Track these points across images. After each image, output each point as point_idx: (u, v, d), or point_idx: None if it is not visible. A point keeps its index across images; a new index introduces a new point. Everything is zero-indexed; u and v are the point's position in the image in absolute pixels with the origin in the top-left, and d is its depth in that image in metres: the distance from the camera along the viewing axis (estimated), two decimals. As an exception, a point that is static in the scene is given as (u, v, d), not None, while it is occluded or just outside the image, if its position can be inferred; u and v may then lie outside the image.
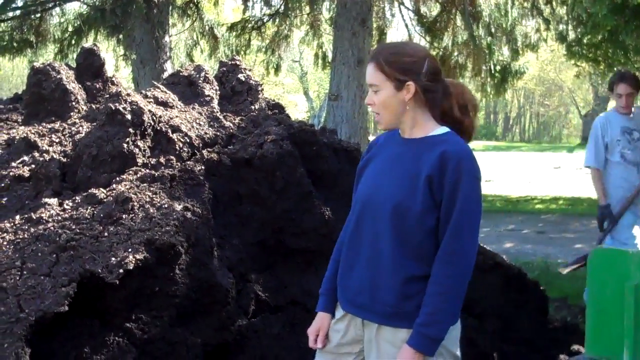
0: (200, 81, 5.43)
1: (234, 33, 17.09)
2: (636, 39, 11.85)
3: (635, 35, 11.55)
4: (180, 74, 5.62)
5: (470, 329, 5.25)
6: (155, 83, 5.38)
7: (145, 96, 5.05)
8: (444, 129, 3.08)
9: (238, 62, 5.79)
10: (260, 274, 4.58)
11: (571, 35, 16.79)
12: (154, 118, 4.65)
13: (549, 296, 6.12)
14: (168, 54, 15.14)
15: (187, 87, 5.46)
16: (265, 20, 17.42)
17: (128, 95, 4.68)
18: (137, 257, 3.74)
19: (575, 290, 7.80)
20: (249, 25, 17.25)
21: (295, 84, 52.37)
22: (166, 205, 4.14)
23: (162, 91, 5.20)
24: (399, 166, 3.06)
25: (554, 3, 16.52)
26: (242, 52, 17.34)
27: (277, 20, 17.24)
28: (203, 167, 4.57)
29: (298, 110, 50.34)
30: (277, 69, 18.55)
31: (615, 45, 14.38)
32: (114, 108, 4.52)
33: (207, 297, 4.09)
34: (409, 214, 2.96)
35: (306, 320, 3.40)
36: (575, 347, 5.79)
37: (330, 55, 15.92)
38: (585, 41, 15.87)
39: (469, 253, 2.98)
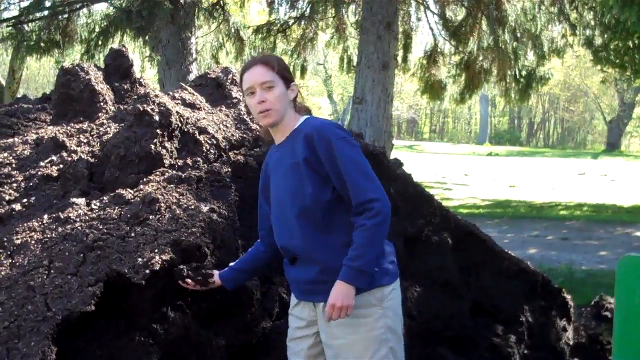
0: (227, 83, 5.45)
1: (260, 35, 17.14)
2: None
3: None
4: (208, 75, 5.64)
5: (495, 334, 5.24)
6: (183, 85, 5.40)
7: (173, 97, 5.07)
8: (303, 118, 3.50)
9: (264, 65, 5.80)
10: (284, 276, 4.58)
11: (598, 41, 16.71)
12: (182, 119, 4.67)
13: (573, 303, 6.09)
14: (194, 55, 15.19)
15: (214, 89, 5.48)
16: (290, 23, 17.45)
17: (156, 96, 4.70)
18: (163, 257, 3.75)
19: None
20: (275, 28, 17.30)
21: (320, 87, 52.45)
22: (192, 207, 4.15)
23: (189, 93, 5.22)
24: (282, 169, 3.42)
25: (580, 8, 16.43)
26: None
27: (303, 23, 17.26)
28: (229, 169, 4.58)
29: (322, 113, 50.40)
30: (303, 71, 18.58)
31: (642, 52, 14.31)
32: (142, 109, 4.54)
33: (232, 298, 4.09)
34: (305, 199, 3.30)
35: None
36: (599, 355, 5.77)
37: (355, 59, 15.92)
38: (612, 47, 15.80)
39: (377, 197, 3.23)
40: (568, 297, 5.89)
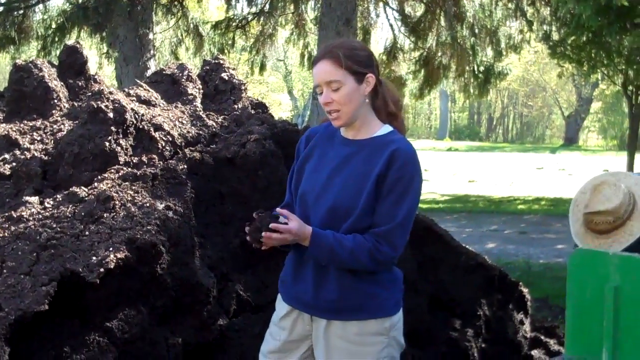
0: (183, 80, 5.41)
1: (219, 31, 17.04)
2: (619, 40, 11.92)
3: (619, 36, 11.61)
4: (164, 72, 5.60)
5: (453, 329, 5.27)
6: (138, 81, 5.36)
7: (128, 94, 5.03)
8: (388, 128, 3.17)
9: (221, 61, 5.77)
10: (241, 273, 4.57)
11: (555, 36, 16.88)
12: (137, 116, 4.63)
13: (530, 296, 6.15)
14: (152, 52, 15.07)
15: (170, 85, 5.44)
16: (249, 19, 17.38)
17: (110, 93, 4.66)
18: (118, 256, 3.72)
19: (556, 291, 7.84)
20: (233, 24, 17.21)
21: (280, 83, 52.37)
22: (148, 204, 4.13)
23: (144, 89, 5.18)
24: (348, 168, 3.11)
25: (537, 4, 16.58)
26: (227, 51, 17.29)
27: (262, 19, 17.21)
28: (185, 166, 4.55)
29: (282, 109, 50.35)
30: (262, 67, 18.51)
31: (599, 46, 14.46)
32: (96, 106, 4.50)
33: (188, 296, 4.08)
34: (348, 216, 3.03)
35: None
36: (556, 347, 5.83)
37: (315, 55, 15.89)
38: (569, 42, 15.95)
39: (395, 247, 3.04)
40: (525, 290, 5.94)
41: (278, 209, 3.02)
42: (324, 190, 3.11)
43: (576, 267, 2.85)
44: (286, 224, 2.96)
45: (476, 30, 16.63)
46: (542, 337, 5.94)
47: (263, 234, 2.94)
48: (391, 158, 3.00)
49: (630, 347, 2.69)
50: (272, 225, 2.92)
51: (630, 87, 18.43)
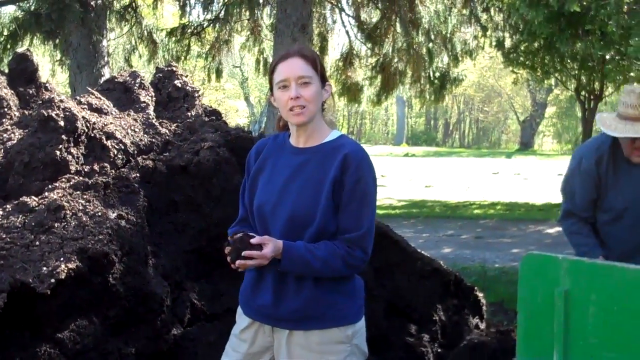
0: (135, 87, 5.37)
1: (173, 38, 16.94)
2: (571, 47, 12.09)
3: (570, 42, 11.77)
4: (116, 80, 5.55)
5: (409, 334, 5.29)
6: (90, 89, 5.30)
7: (79, 102, 4.97)
8: (337, 133, 3.20)
9: (174, 68, 5.74)
10: (196, 282, 4.54)
11: (509, 43, 17.07)
12: (88, 125, 4.58)
13: (486, 301, 6.19)
14: (106, 59, 14.92)
15: (122, 93, 5.39)
16: (205, 26, 17.30)
17: (61, 101, 4.61)
18: (70, 266, 3.67)
19: (511, 295, 7.88)
20: (189, 31, 17.12)
21: (236, 90, 52.21)
22: (100, 214, 4.08)
23: (96, 97, 5.13)
24: (302, 176, 3.10)
25: (492, 10, 16.75)
26: (182, 58, 17.20)
27: (217, 25, 17.14)
28: (138, 175, 4.51)
29: (239, 116, 50.20)
30: (218, 74, 18.42)
31: (551, 53, 14.66)
32: (46, 114, 4.44)
33: (142, 306, 4.04)
34: (308, 224, 3.03)
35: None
36: (512, 350, 5.86)
37: (271, 61, 15.87)
38: (522, 48, 16.14)
39: (366, 250, 3.06)
40: (480, 295, 5.98)
41: (257, 239, 2.96)
42: (281, 200, 3.09)
43: (527, 272, 2.87)
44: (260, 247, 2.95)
45: (432, 36, 16.74)
46: (498, 341, 5.97)
47: (237, 262, 2.93)
48: (344, 162, 3.02)
49: (580, 351, 2.72)
50: (245, 253, 2.91)
51: (583, 92, 18.68)
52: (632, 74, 14.80)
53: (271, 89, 3.17)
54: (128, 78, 5.48)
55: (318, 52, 16.12)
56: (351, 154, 3.04)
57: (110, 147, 4.64)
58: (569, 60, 15.69)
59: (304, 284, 3.07)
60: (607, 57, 12.59)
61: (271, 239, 2.97)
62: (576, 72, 17.17)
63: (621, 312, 2.64)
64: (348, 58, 17.15)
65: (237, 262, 2.93)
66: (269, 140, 3.32)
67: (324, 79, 3.14)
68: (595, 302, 2.68)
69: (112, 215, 4.12)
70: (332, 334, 3.09)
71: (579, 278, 2.73)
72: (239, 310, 3.33)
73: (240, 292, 3.33)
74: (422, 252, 5.84)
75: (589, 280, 2.71)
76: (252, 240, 2.93)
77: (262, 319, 3.18)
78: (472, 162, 37.25)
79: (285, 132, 3.27)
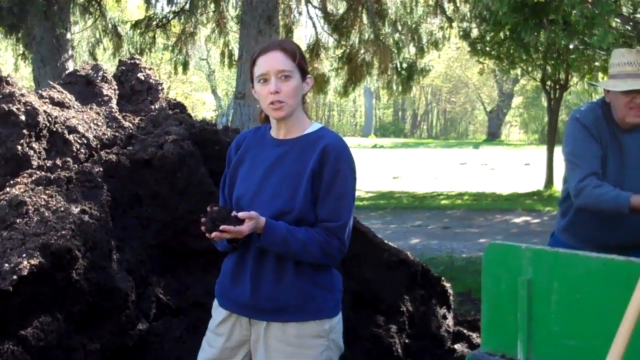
0: (98, 80, 5.30)
1: (138, 31, 16.82)
2: (536, 37, 12.15)
3: (535, 32, 11.83)
4: (78, 73, 5.47)
5: (376, 325, 5.29)
6: (52, 83, 5.23)
7: (41, 96, 4.90)
8: (318, 125, 3.20)
9: (137, 61, 5.68)
10: (161, 276, 4.51)
11: (475, 33, 17.15)
12: (50, 119, 4.52)
13: (453, 291, 6.21)
14: (70, 52, 14.79)
15: (84, 86, 5.32)
16: (170, 18, 17.20)
17: (22, 95, 4.54)
18: (32, 262, 3.62)
19: (479, 285, 7.86)
20: (154, 23, 17.00)
21: (203, 82, 51.99)
22: (62, 209, 4.03)
23: (58, 91, 5.06)
24: (281, 168, 3.11)
25: (457, 1, 16.81)
26: (148, 51, 17.09)
27: (183, 18, 17.04)
28: (101, 169, 4.46)
29: (206, 109, 49.97)
30: (184, 67, 18.31)
31: (517, 43, 14.73)
32: (7, 109, 4.38)
33: (106, 301, 4.00)
34: (286, 215, 3.03)
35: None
36: (479, 340, 5.90)
37: (236, 53, 15.83)
38: (488, 39, 16.22)
39: (343, 241, 3.07)
40: (447, 285, 5.99)
41: (241, 213, 2.93)
42: (259, 192, 3.10)
43: (490, 261, 2.89)
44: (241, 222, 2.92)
45: (398, 27, 16.78)
46: (465, 331, 6.00)
47: (214, 234, 2.90)
48: (323, 153, 3.02)
49: (544, 338, 2.74)
50: (223, 227, 2.88)
51: (548, 82, 18.85)
52: (596, 63, 14.92)
53: (252, 81, 3.15)
54: (90, 71, 5.41)
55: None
56: (330, 146, 3.05)
57: (72, 141, 4.58)
58: (534, 50, 15.79)
59: (284, 275, 3.06)
60: (571, 46, 12.67)
61: (258, 216, 2.95)
62: (541, 62, 17.30)
63: (583, 300, 2.66)
64: (314, 49, 17.13)
65: (213, 233, 2.90)
66: (249, 133, 3.33)
67: (305, 72, 3.14)
68: (558, 290, 2.71)
69: (75, 210, 4.07)
70: (309, 327, 3.08)
71: (542, 267, 2.75)
72: (215, 303, 3.31)
73: (217, 283, 3.31)
74: (390, 243, 5.84)
75: (551, 269, 2.73)
76: (240, 215, 2.92)
77: (239, 310, 3.16)
78: (439, 153, 37.45)
79: (266, 125, 3.27)
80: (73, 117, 4.76)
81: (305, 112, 3.22)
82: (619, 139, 4.11)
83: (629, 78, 4.00)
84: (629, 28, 10.89)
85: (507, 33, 14.04)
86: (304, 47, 17.83)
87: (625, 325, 2.44)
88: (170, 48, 17.83)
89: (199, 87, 52.77)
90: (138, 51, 16.52)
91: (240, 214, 2.93)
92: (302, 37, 32.31)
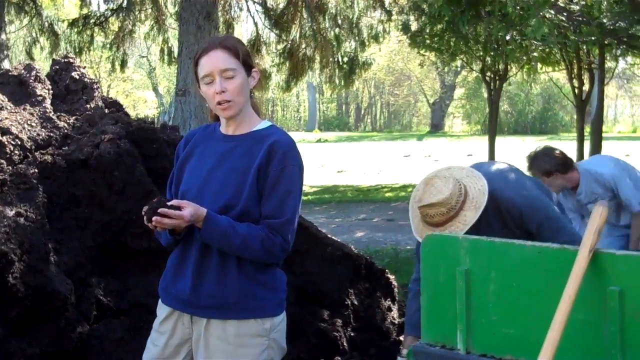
0: (31, 80, 5.20)
1: (75, 29, 16.58)
2: (473, 28, 12.28)
3: (472, 24, 11.96)
4: (10, 73, 5.36)
5: (321, 319, 5.29)
6: (-18, 84, 5.13)
7: (-28, 98, 4.81)
8: (267, 123, 3.17)
9: (72, 60, 5.59)
10: (101, 277, 4.45)
11: (414, 26, 17.26)
12: (-18, 120, 4.43)
13: (398, 283, 6.24)
14: (5, 52, 14.52)
15: (17, 87, 5.22)
16: (108, 16, 16.99)
17: (-48, 97, 4.45)
18: (-35, 267, 3.56)
19: (424, 275, 7.99)
20: (91, 21, 16.78)
21: (145, 80, 51.50)
22: (-4, 212, 3.96)
23: (-11, 92, 4.96)
24: (227, 163, 3.08)
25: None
26: (86, 49, 16.87)
27: (121, 15, 16.85)
28: (36, 170, 4.38)
29: (148, 107, 49.52)
30: (123, 65, 18.12)
31: (456, 35, 14.87)
32: (-64, 111, 4.28)
33: (45, 304, 3.94)
34: (230, 211, 2.99)
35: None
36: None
37: (176, 50, 15.71)
38: (427, 31, 16.33)
39: (286, 238, 3.03)
40: (392, 277, 6.02)
41: (175, 201, 2.91)
42: (204, 186, 3.07)
43: (429, 252, 2.89)
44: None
45: (339, 22, 16.81)
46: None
47: (154, 218, 2.85)
48: (270, 150, 3.00)
49: (482, 328, 2.76)
50: (161, 210, 2.83)
51: (488, 73, 19.04)
52: (535, 54, 15.13)
53: (197, 81, 3.12)
54: (23, 71, 5.31)
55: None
56: (277, 143, 3.02)
57: (5, 142, 4.49)
58: (473, 42, 15.95)
59: (226, 271, 3.03)
60: (508, 37, 12.82)
61: (191, 204, 2.91)
62: (481, 53, 17.49)
63: (519, 289, 2.69)
64: (255, 45, 17.08)
65: (153, 218, 2.85)
66: (198, 130, 3.31)
67: (249, 67, 3.10)
68: (495, 279, 2.73)
69: (10, 213, 4.00)
70: (249, 326, 3.05)
71: (479, 256, 2.77)
72: (160, 302, 3.26)
73: (161, 279, 3.26)
74: (334, 237, 5.85)
75: (488, 258, 2.75)
76: (172, 202, 2.88)
77: (180, 307, 3.12)
78: (383, 146, 37.63)
79: (216, 122, 3.25)
80: (6, 118, 4.67)
81: (255, 107, 3.20)
82: None
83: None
84: (564, 19, 11.06)
85: (445, 25, 14.15)
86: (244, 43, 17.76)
87: (561, 311, 2.47)
88: (108, 46, 17.62)
89: (140, 85, 52.27)
90: (76, 50, 16.31)
91: (175, 201, 2.90)
92: (243, 32, 32.15)
